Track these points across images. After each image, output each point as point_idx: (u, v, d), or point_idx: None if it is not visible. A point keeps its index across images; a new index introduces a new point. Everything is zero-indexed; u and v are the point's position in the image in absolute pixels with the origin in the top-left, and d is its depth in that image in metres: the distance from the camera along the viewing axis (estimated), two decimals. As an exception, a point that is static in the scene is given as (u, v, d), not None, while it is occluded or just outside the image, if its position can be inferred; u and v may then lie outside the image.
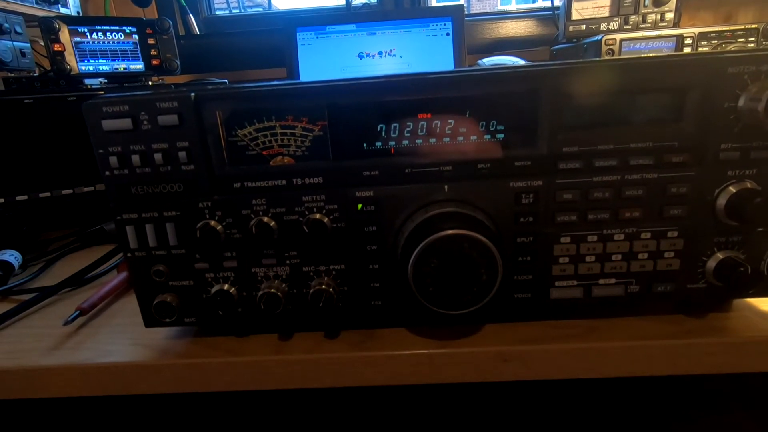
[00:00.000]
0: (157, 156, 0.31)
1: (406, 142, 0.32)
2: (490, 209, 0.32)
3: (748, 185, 0.30)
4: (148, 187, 0.32)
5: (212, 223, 0.32)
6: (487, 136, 0.31)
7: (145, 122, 0.30)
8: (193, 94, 0.30)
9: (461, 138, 0.32)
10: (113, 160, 0.31)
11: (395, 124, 0.32)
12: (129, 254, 0.33)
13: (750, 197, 0.30)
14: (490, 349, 0.35)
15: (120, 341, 0.39)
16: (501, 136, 0.31)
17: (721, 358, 0.34)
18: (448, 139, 0.32)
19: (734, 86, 0.29)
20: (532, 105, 0.31)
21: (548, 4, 1.17)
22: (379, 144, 0.32)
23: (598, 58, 0.29)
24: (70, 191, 0.67)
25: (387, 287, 0.34)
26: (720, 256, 0.32)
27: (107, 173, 0.32)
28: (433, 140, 0.32)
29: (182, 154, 0.31)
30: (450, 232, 0.28)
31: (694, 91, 0.30)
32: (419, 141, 0.32)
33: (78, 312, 0.41)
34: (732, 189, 0.31)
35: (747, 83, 0.29)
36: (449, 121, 0.31)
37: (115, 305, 0.46)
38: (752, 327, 0.35)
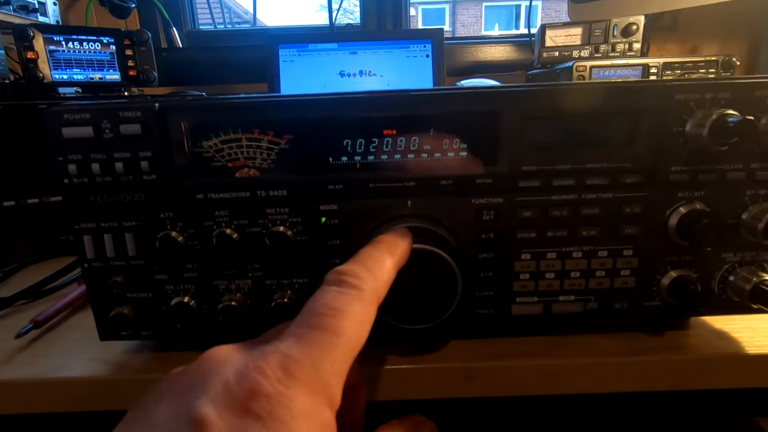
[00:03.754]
0: (119, 165, 0.30)
1: (371, 157, 0.32)
2: (452, 225, 0.32)
3: (698, 206, 0.32)
4: (108, 197, 0.31)
5: (173, 233, 0.32)
6: (450, 154, 0.32)
7: (107, 131, 0.30)
8: (157, 104, 0.30)
9: (425, 155, 0.32)
10: (72, 167, 0.30)
11: (360, 140, 0.32)
12: (86, 264, 0.33)
13: (699, 218, 0.31)
14: (453, 365, 0.35)
15: (75, 356, 0.37)
16: (464, 154, 0.32)
17: (677, 375, 0.35)
18: (412, 155, 0.32)
19: (681, 112, 0.30)
20: (493, 125, 0.32)
21: (526, 31, 1.22)
22: (344, 159, 0.32)
23: (555, 82, 0.30)
24: (36, 200, 0.66)
25: (350, 301, 0.34)
26: (673, 274, 0.33)
27: (66, 181, 0.31)
28: (397, 156, 0.32)
29: (144, 164, 0.31)
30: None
31: (646, 116, 0.31)
32: (384, 157, 0.32)
33: (32, 325, 0.39)
34: (682, 210, 0.32)
35: (693, 109, 0.30)
36: (413, 138, 0.32)
37: (73, 318, 0.44)
38: (707, 344, 0.36)
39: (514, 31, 1.47)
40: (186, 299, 0.33)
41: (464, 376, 0.35)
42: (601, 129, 0.32)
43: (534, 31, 1.13)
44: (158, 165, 0.31)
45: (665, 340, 0.37)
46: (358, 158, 0.32)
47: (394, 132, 0.32)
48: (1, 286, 0.54)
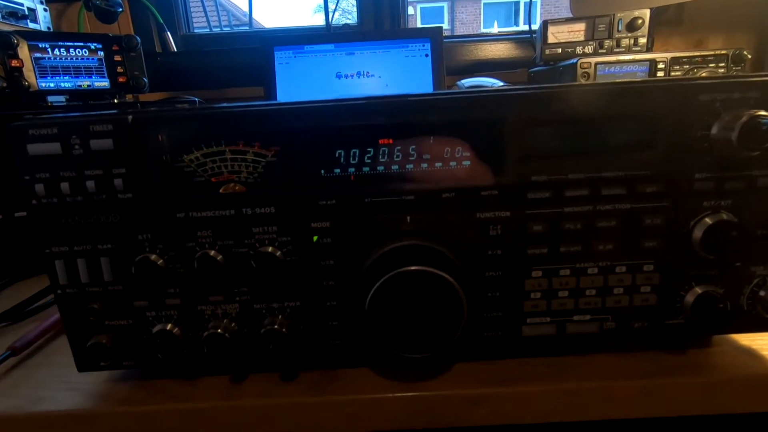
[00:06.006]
0: (90, 183, 0.28)
1: (366, 169, 0.30)
2: (455, 242, 0.30)
3: (724, 216, 0.29)
4: (80, 218, 0.29)
5: (152, 257, 0.29)
6: (452, 164, 0.29)
7: (77, 146, 0.28)
8: (130, 117, 0.27)
9: (425, 165, 0.30)
10: (40, 187, 0.28)
11: (354, 150, 0.29)
12: (59, 291, 0.30)
13: (726, 229, 0.28)
14: (458, 392, 0.32)
15: (55, 385, 0.35)
16: (467, 163, 0.29)
17: (702, 398, 0.32)
18: (411, 166, 0.30)
19: (707, 114, 0.28)
20: (498, 131, 0.29)
21: (534, 26, 1.19)
22: (337, 171, 0.30)
23: (566, 83, 0.28)
24: (24, 213, 0.63)
25: (347, 325, 0.32)
26: (698, 290, 0.30)
27: (33, 201, 0.28)
28: (395, 167, 0.30)
29: (118, 182, 0.28)
30: (409, 268, 0.26)
31: (666, 119, 0.28)
32: (380, 168, 0.30)
33: (9, 352, 0.37)
34: (708, 220, 0.29)
35: (719, 111, 0.27)
36: (411, 147, 0.29)
37: (56, 342, 0.42)
38: (733, 364, 0.33)
39: (515, 28, 1.44)
40: (169, 326, 0.31)
41: (470, 403, 0.32)
42: (618, 134, 0.29)
43: (535, 27, 1.10)
44: (134, 182, 0.28)
45: (687, 360, 0.34)
46: (352, 170, 0.30)
47: (391, 141, 0.29)
48: (-15, 305, 0.51)
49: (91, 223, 0.29)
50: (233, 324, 0.31)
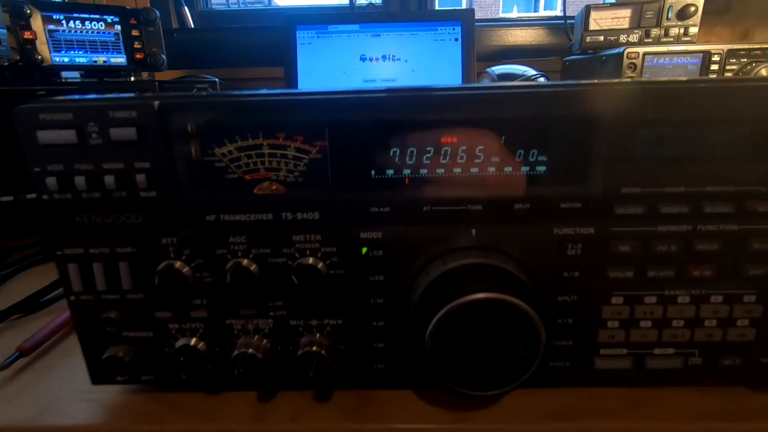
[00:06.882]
0: (109, 179, 0.24)
1: (425, 171, 0.25)
2: (527, 260, 0.26)
3: None
4: (97, 217, 0.25)
5: (177, 264, 0.25)
6: (526, 169, 0.25)
7: (95, 135, 0.24)
8: (156, 102, 0.23)
9: (494, 169, 0.25)
10: (51, 181, 0.24)
11: (412, 149, 0.25)
12: (72, 297, 0.27)
13: None
14: (515, 427, 0.28)
15: (65, 393, 0.32)
16: (543, 168, 0.25)
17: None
18: (477, 170, 0.25)
19: None
20: (583, 132, 0.24)
21: (554, 12, 1.12)
22: (391, 172, 0.25)
23: (670, 78, 0.23)
24: (35, 196, 0.60)
25: (393, 349, 0.28)
26: (805, 327, 0.26)
27: (45, 197, 0.25)
28: (458, 170, 0.25)
29: (141, 177, 0.24)
30: (481, 296, 0.22)
31: (790, 125, 0.24)
32: (441, 171, 0.25)
33: (17, 354, 0.34)
34: (828, 248, 0.25)
35: None
36: (479, 147, 0.25)
37: (69, 340, 0.39)
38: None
39: (546, 14, 1.37)
40: (194, 341, 0.27)
41: (528, 438, 0.28)
42: (727, 141, 0.24)
43: (571, 13, 1.03)
44: (158, 179, 0.25)
45: (774, 400, 0.30)
46: (407, 172, 0.26)
47: (455, 140, 0.25)
48: (-3, 292, 0.49)
49: (110, 224, 0.25)
50: (265, 341, 0.28)
